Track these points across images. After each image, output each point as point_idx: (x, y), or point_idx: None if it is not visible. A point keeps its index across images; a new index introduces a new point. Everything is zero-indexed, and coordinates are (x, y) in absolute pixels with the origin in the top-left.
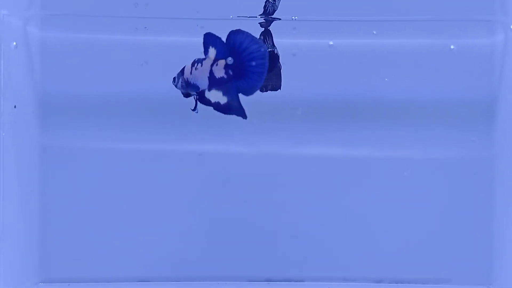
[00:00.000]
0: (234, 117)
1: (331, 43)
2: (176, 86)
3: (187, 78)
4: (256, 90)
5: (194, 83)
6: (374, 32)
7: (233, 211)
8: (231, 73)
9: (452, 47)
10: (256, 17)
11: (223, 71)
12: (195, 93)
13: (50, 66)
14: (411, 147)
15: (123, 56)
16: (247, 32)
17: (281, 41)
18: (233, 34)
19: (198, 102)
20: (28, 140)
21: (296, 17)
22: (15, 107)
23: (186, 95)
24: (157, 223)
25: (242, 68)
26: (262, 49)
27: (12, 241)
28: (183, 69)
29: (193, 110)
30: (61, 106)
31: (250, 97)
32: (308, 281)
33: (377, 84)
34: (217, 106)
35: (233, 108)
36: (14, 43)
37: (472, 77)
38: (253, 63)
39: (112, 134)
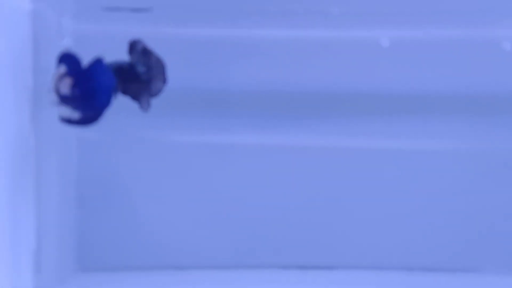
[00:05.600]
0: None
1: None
2: None
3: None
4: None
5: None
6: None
7: (264, 199)
8: (78, 93)
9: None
10: None
11: (70, 90)
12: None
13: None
14: (454, 139)
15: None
16: (105, 65)
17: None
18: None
19: None
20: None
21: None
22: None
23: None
24: (190, 211)
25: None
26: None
27: (51, 229)
28: None
29: None
30: None
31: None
32: (340, 268)
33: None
34: (68, 121)
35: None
36: (66, 39)
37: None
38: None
39: (146, 125)
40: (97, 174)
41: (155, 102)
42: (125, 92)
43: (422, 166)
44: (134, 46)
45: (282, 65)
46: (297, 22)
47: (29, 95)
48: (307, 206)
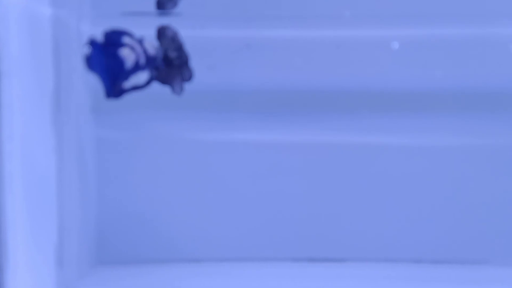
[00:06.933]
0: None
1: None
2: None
3: None
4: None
5: None
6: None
7: (274, 193)
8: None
9: None
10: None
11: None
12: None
13: None
14: (463, 135)
15: None
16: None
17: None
18: None
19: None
20: (84, 132)
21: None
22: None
23: None
24: (205, 206)
25: None
26: None
27: (71, 224)
28: None
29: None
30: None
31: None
32: (349, 261)
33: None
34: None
35: None
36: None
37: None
38: None
39: (163, 123)
40: (115, 171)
41: (171, 100)
42: (157, 77)
43: (431, 161)
44: (163, 33)
45: (293, 65)
46: (308, 24)
47: (50, 98)
48: (317, 200)
